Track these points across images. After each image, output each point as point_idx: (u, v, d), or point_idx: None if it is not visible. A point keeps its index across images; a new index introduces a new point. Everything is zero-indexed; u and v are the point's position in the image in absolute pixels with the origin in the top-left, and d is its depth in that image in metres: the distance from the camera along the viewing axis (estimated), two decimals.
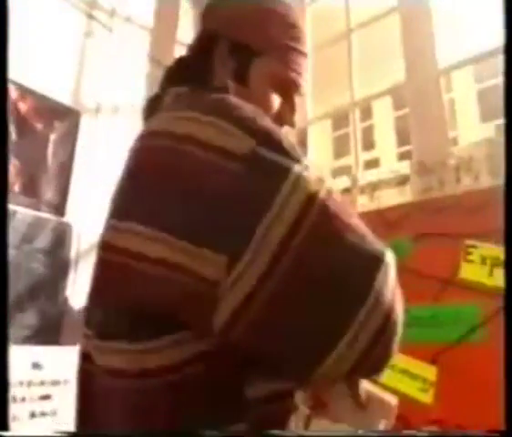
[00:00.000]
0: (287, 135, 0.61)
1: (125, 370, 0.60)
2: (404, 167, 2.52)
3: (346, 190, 2.78)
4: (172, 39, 3.65)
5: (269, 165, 0.54)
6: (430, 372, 2.22)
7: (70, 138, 2.84)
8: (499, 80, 2.49)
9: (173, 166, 0.57)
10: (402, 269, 2.49)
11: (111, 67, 3.11)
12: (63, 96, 2.85)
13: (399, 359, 2.35)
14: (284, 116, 0.76)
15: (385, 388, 2.29)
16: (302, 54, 0.75)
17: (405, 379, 2.31)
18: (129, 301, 0.60)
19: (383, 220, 2.57)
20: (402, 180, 2.54)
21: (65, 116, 2.84)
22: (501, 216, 1.97)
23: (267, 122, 0.58)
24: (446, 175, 2.35)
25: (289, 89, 0.76)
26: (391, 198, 2.57)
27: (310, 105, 3.22)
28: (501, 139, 2.75)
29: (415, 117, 2.52)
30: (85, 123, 2.98)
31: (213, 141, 0.54)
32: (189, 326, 0.56)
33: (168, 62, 0.82)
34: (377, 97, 2.96)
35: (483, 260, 2.17)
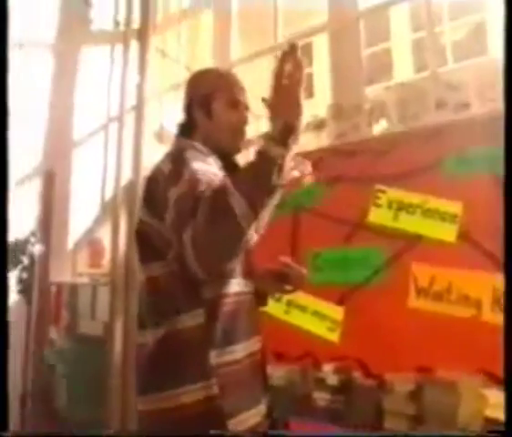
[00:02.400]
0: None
1: None
2: (322, 112, 2.45)
3: None
4: None
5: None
6: (337, 313, 2.26)
7: None
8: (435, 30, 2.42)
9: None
10: (314, 214, 2.49)
11: None
12: None
13: (309, 301, 2.38)
14: (241, 121, 1.21)
15: (296, 328, 2.33)
16: (240, 87, 1.23)
17: (315, 319, 2.35)
18: None
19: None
20: (319, 125, 2.47)
21: None
22: (409, 159, 1.95)
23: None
24: (361, 119, 2.30)
25: (237, 106, 1.20)
26: (307, 142, 2.50)
27: (234, 49, 3.07)
28: (414, 83, 2.72)
29: (334, 61, 2.43)
30: None
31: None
32: None
33: None
34: (300, 38, 2.83)
35: (389, 204, 2.17)
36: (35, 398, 2.67)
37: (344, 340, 2.17)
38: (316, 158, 2.40)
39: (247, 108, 1.23)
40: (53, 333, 2.96)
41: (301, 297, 2.37)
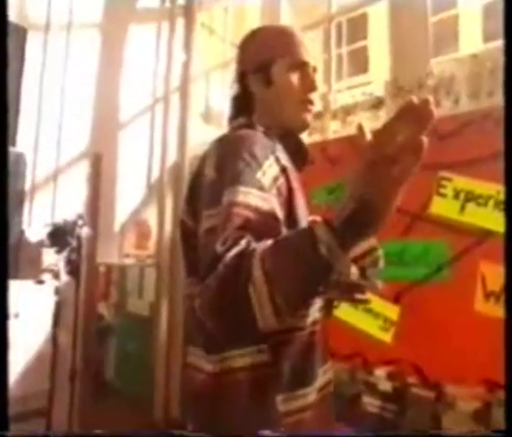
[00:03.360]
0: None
1: None
2: (379, 90, 2.21)
3: (318, 115, 2.49)
4: None
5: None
6: (392, 311, 2.07)
7: (16, 60, 2.53)
8: None
9: None
10: None
11: None
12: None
13: None
14: (306, 87, 0.95)
15: (347, 325, 2.17)
16: (305, 47, 0.98)
17: (367, 317, 2.18)
18: None
19: (354, 148, 2.31)
20: (376, 104, 2.24)
21: (9, 34, 2.53)
22: (479, 143, 1.69)
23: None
24: (424, 97, 2.04)
25: (302, 68, 0.96)
26: (364, 123, 2.29)
27: (284, 22, 2.86)
28: (488, 55, 2.38)
29: (394, 31, 2.16)
30: (33, 42, 2.64)
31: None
32: None
33: None
34: (354, 10, 2.57)
35: (456, 194, 1.92)
36: (84, 372, 2.74)
37: (398, 342, 1.98)
38: None
39: (315, 71, 0.97)
40: (103, 309, 3.04)
41: None
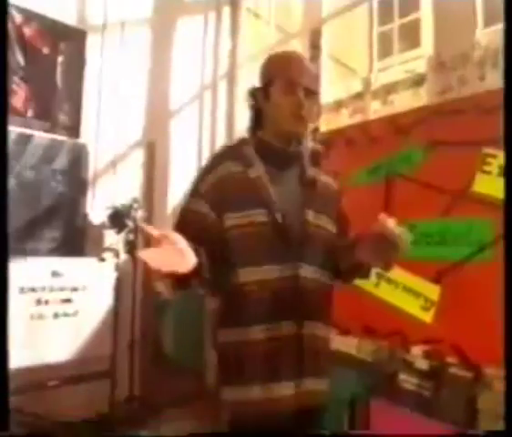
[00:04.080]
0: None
1: None
2: (421, 66, 2.13)
3: (358, 95, 2.47)
4: None
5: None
6: (433, 291, 2.04)
7: (78, 59, 2.78)
8: None
9: None
10: (411, 182, 2.25)
11: None
12: (68, 17, 2.75)
13: (402, 276, 2.19)
14: (296, 104, 1.12)
15: (387, 305, 2.18)
16: (299, 70, 1.14)
17: (407, 296, 2.16)
18: None
19: (395, 127, 2.26)
20: (417, 80, 2.17)
21: (70, 37, 2.75)
22: None
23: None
24: (469, 71, 1.95)
25: (294, 88, 1.12)
26: (405, 101, 2.22)
27: (326, 3, 2.82)
28: None
29: (438, 5, 2.07)
30: (92, 42, 2.88)
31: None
32: None
33: None
34: None
35: (501, 171, 1.84)
36: (142, 343, 2.99)
37: (439, 322, 1.95)
38: (414, 119, 2.14)
39: (307, 91, 1.13)
40: (160, 287, 3.27)
41: (392, 271, 2.20)
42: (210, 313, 3.07)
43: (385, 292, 2.22)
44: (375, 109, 2.35)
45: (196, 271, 0.90)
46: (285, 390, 1.04)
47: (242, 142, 1.19)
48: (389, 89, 2.28)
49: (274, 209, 1.07)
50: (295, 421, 1.06)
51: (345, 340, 2.43)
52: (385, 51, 2.87)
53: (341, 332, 2.52)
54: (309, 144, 1.26)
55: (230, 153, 1.16)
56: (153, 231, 0.88)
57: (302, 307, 1.07)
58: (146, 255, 0.82)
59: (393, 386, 1.90)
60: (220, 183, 1.09)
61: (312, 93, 1.14)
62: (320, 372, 1.11)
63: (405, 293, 2.16)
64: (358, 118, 2.44)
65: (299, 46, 3.02)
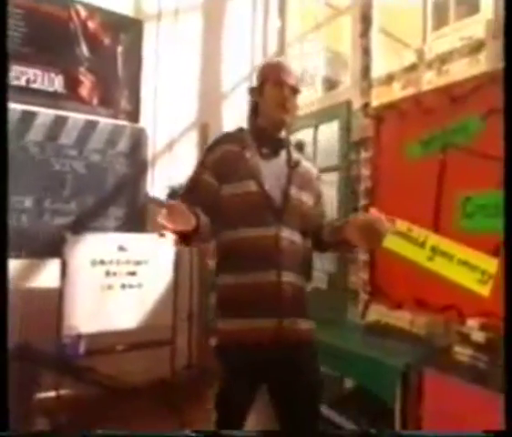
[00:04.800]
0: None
1: None
2: (479, 32, 2.04)
3: (410, 67, 2.40)
4: None
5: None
6: (491, 265, 1.99)
7: (136, 48, 2.94)
8: None
9: None
10: (466, 152, 2.20)
11: None
12: (126, 8, 2.91)
13: (457, 249, 2.14)
14: (282, 98, 1.42)
15: (442, 278, 2.15)
16: (286, 72, 1.44)
17: (463, 269, 2.11)
18: None
19: (450, 97, 2.19)
20: (476, 47, 2.08)
21: (129, 28, 2.91)
22: None
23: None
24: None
25: (281, 87, 1.42)
26: (462, 69, 2.14)
27: None
28: None
29: None
30: (148, 31, 3.03)
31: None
32: None
33: None
34: None
35: None
36: (199, 316, 3.16)
37: (496, 295, 1.91)
38: (471, 88, 2.06)
39: (292, 89, 1.43)
40: (212, 265, 3.42)
41: (447, 244, 2.16)
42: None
43: (440, 266, 2.19)
44: (429, 80, 2.28)
45: (195, 230, 1.17)
46: (267, 323, 1.30)
47: (240, 130, 1.49)
48: (444, 59, 2.20)
49: (263, 182, 1.36)
50: (277, 353, 1.30)
51: (398, 314, 2.43)
52: (440, 20, 2.76)
53: (393, 306, 2.53)
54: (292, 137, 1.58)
55: (230, 137, 1.46)
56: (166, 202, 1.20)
57: (281, 260, 1.34)
58: (163, 219, 1.10)
59: (447, 358, 1.89)
60: (221, 159, 1.38)
61: (296, 91, 1.45)
62: (297, 313, 1.37)
63: (461, 266, 2.12)
64: (411, 91, 2.38)
65: (349, 21, 2.98)
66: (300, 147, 1.59)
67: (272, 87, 1.42)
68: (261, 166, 1.38)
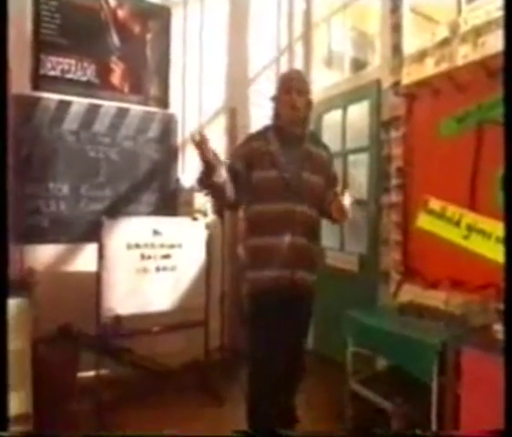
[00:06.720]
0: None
1: None
2: None
3: (444, 42, 2.33)
4: None
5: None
6: None
7: (164, 35, 2.95)
8: None
9: None
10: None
11: None
12: None
13: (495, 226, 2.08)
14: (292, 100, 1.83)
15: (479, 257, 2.11)
16: (295, 82, 1.88)
17: (501, 247, 2.06)
18: None
19: (487, 71, 2.12)
20: None
21: (157, 15, 2.93)
22: None
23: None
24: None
25: (291, 92, 1.83)
26: (499, 41, 2.06)
27: None
28: None
29: None
30: (176, 18, 3.04)
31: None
32: None
33: None
34: None
35: None
36: (232, 298, 3.20)
37: None
38: None
39: (299, 94, 1.83)
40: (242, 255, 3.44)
41: (484, 221, 2.10)
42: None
43: (476, 244, 2.13)
44: (464, 54, 2.21)
45: (217, 175, 1.61)
46: (283, 273, 1.79)
47: (266, 128, 1.91)
48: (480, 31, 2.12)
49: (282, 170, 1.80)
50: (291, 294, 1.81)
51: (432, 293, 2.40)
52: None
53: (428, 286, 2.49)
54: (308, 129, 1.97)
55: (257, 135, 1.91)
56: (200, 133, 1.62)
57: (295, 227, 1.80)
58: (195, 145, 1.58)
59: (486, 336, 1.85)
60: (250, 153, 1.83)
61: (302, 92, 1.84)
62: (307, 268, 1.86)
63: (499, 244, 2.06)
64: (444, 66, 2.31)
65: (376, 0, 2.92)
66: (314, 137, 2.08)
67: (284, 94, 1.84)
68: (281, 157, 1.82)
